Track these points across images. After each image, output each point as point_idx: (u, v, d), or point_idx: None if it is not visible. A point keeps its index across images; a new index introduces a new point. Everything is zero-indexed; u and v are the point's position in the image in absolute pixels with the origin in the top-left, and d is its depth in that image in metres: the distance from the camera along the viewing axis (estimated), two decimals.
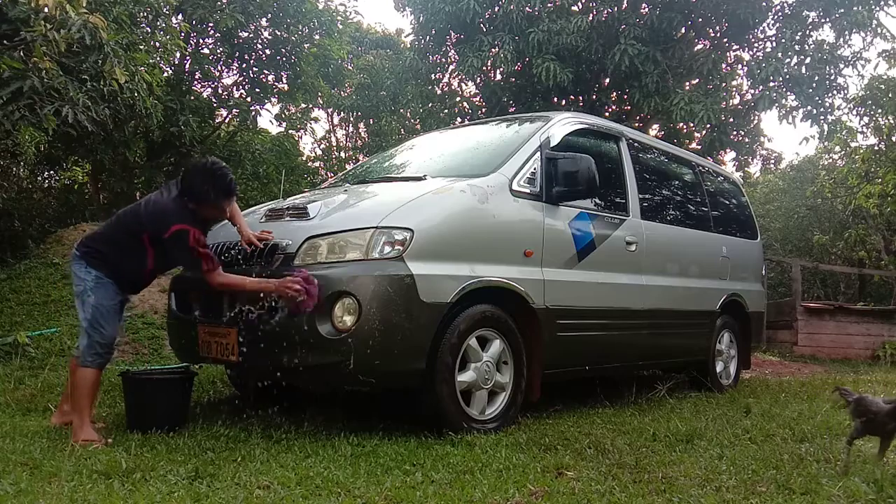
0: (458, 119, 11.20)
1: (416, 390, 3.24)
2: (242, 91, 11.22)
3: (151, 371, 3.98)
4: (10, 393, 4.16)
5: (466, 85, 12.56)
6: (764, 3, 9.64)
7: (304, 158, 16.50)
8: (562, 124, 4.18)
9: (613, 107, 11.14)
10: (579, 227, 3.99)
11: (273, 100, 11.69)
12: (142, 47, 6.65)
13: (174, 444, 2.99)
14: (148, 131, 9.61)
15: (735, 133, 10.98)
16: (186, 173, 3.27)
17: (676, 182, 5.42)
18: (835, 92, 10.02)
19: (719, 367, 5.48)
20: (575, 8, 9.96)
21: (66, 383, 3.63)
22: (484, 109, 10.94)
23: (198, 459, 2.73)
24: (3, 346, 5.18)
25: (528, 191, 3.73)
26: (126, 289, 3.37)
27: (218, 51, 10.75)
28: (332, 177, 8.35)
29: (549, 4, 9.65)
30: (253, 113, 11.05)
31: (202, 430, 3.28)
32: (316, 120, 17.41)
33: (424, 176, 3.77)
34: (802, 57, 9.79)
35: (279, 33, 10.69)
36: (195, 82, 10.88)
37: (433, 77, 11.64)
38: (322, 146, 19.15)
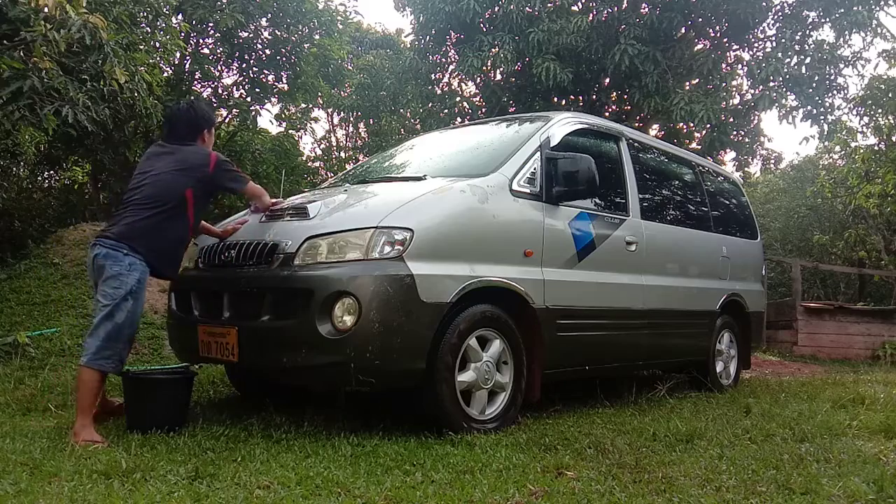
0: (458, 119, 11.19)
1: (416, 390, 3.24)
2: (242, 91, 11.21)
3: (151, 371, 3.97)
4: (10, 393, 4.16)
5: (466, 85, 12.57)
6: (764, 3, 9.64)
7: (304, 158, 16.48)
8: (562, 124, 4.17)
9: (613, 107, 11.14)
10: (579, 227, 3.99)
11: (273, 100, 11.68)
12: (142, 47, 6.65)
13: (174, 444, 2.99)
14: (148, 131, 9.61)
15: (735, 133, 10.98)
16: (188, 113, 3.45)
17: (676, 182, 5.42)
18: (835, 92, 10.03)
19: (719, 367, 5.48)
20: (575, 8, 9.96)
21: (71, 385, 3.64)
22: (484, 109, 10.94)
23: (198, 459, 2.72)
24: (3, 346, 5.17)
25: (528, 191, 3.73)
26: (165, 270, 3.43)
27: (218, 51, 10.75)
28: (332, 177, 8.34)
29: (549, 4, 9.65)
30: (253, 113, 11.04)
31: (202, 430, 3.28)
32: (316, 120, 17.40)
33: (424, 176, 3.77)
34: (802, 57, 9.79)
35: (279, 33, 10.69)
36: (195, 82, 10.87)
37: (433, 77, 11.63)
38: (322, 146, 19.14)
